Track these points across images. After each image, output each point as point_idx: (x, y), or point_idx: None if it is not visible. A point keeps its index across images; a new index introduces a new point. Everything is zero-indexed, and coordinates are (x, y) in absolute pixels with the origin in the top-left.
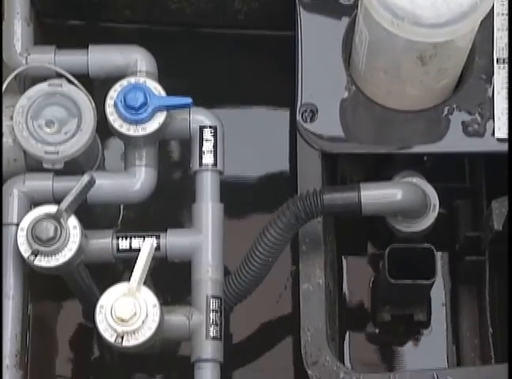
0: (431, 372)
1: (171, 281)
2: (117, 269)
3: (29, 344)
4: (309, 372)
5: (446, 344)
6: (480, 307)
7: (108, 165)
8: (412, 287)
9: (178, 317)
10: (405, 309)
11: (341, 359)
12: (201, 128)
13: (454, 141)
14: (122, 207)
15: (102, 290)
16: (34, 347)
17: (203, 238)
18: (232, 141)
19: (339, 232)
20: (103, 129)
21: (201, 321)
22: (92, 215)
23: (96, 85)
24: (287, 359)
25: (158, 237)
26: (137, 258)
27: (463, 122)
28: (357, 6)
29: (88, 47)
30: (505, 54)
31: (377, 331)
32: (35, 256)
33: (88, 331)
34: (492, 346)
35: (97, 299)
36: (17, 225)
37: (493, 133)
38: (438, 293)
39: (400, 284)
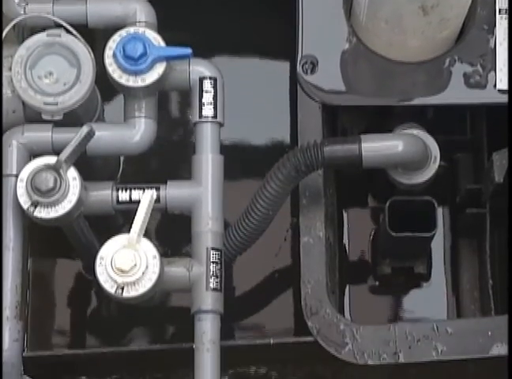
0: (431, 323)
1: (172, 234)
2: (117, 222)
3: (29, 297)
4: (309, 323)
5: (446, 297)
6: (481, 259)
7: (108, 119)
8: (412, 239)
9: (179, 269)
10: (406, 261)
11: (341, 312)
12: (201, 79)
13: (456, 93)
14: (121, 160)
15: (102, 244)
16: (34, 301)
17: (203, 190)
18: (232, 93)
19: (339, 185)
20: (103, 80)
21: (201, 273)
22: (92, 168)
23: (96, 36)
24: (287, 311)
25: (158, 189)
26: (136, 210)
27: (464, 74)
28: None
29: None
30: (507, 5)
31: (377, 283)
32: (35, 207)
33: (88, 284)
34: (492, 298)
35: (97, 252)
36: (17, 176)
37: (495, 85)
38: (439, 245)
39: (400, 237)
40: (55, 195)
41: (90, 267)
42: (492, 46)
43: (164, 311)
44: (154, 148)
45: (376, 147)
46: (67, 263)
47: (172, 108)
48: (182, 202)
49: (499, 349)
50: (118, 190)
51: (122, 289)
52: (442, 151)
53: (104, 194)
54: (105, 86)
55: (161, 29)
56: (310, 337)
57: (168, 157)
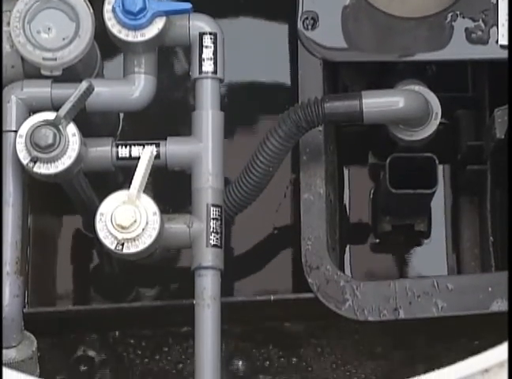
0: (431, 279)
1: (172, 191)
2: (117, 180)
3: (30, 254)
4: (309, 280)
5: (446, 254)
6: (481, 216)
7: (107, 77)
8: (412, 196)
9: (179, 225)
10: (406, 219)
11: (342, 269)
12: (201, 34)
13: (457, 48)
14: (121, 118)
15: (102, 201)
16: (34, 258)
17: (203, 146)
18: (232, 50)
19: (340, 142)
20: (103, 37)
21: (201, 229)
22: (91, 125)
23: None
24: (287, 268)
25: (158, 145)
26: (136, 166)
27: (466, 29)
28: None
29: None
30: None
31: (377, 241)
32: (34, 163)
33: (89, 240)
34: (493, 255)
35: (97, 208)
36: (16, 132)
37: (497, 40)
38: (439, 203)
39: (401, 194)
40: (55, 151)
41: (90, 224)
42: (494, 1)
43: (165, 268)
44: (154, 104)
45: (377, 103)
46: (68, 219)
47: (172, 64)
48: (182, 158)
49: (499, 305)
50: (117, 146)
51: (122, 245)
52: (443, 108)
53: (104, 150)
54: (105, 43)
55: None
56: (311, 293)
57: (168, 114)
